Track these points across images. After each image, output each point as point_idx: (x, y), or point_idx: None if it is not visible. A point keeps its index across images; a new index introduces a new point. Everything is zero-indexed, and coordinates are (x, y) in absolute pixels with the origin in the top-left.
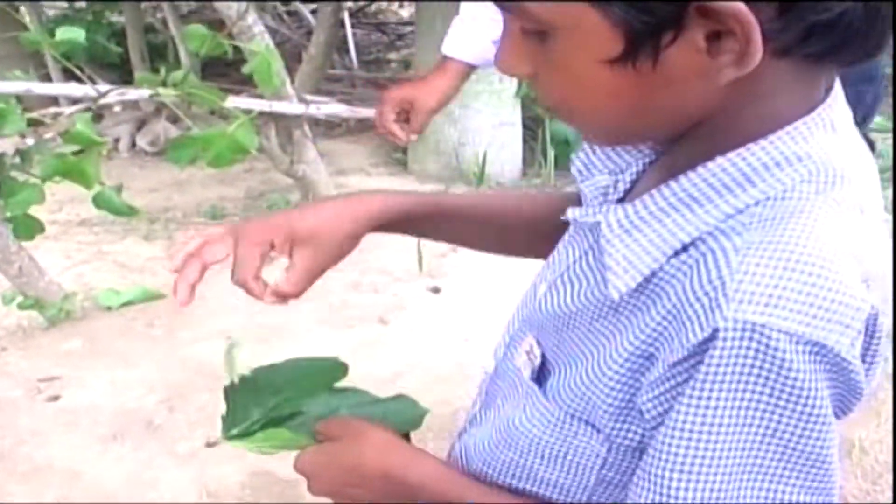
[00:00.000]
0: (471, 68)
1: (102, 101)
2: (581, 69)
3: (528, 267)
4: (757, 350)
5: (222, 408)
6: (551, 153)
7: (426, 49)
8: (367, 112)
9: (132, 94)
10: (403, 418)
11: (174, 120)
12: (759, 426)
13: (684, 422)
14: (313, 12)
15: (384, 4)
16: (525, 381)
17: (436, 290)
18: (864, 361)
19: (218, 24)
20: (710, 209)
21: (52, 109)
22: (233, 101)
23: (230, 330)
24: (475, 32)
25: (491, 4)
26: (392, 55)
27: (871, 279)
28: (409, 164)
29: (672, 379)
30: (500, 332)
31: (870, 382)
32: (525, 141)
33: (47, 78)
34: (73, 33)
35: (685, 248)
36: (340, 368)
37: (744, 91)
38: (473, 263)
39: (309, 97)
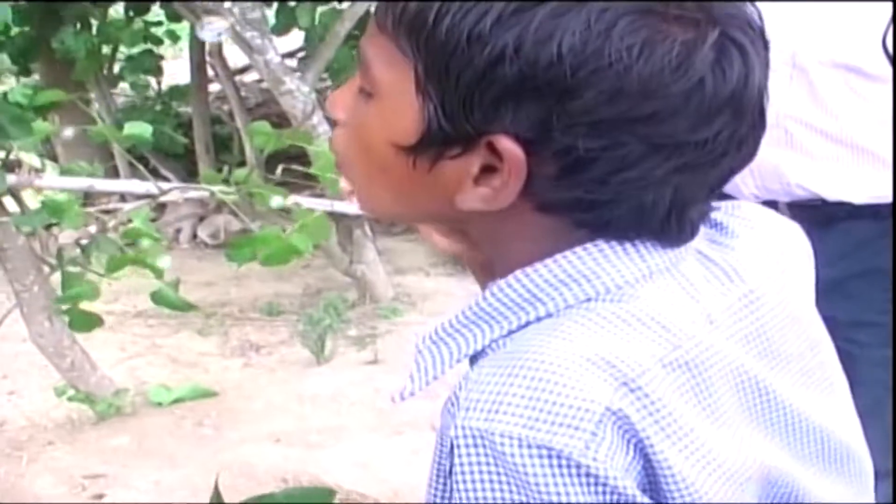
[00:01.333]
0: None
1: (164, 199)
2: (373, 138)
3: None
4: (493, 456)
5: None
6: None
7: None
8: None
9: (193, 192)
10: None
11: (235, 213)
12: None
13: None
14: None
15: None
16: None
17: None
18: (654, 468)
19: (284, 119)
20: (503, 324)
21: (113, 205)
22: (293, 199)
23: (279, 432)
24: None
25: None
26: None
27: (638, 386)
28: None
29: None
30: None
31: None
32: None
33: (114, 168)
34: (140, 128)
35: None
36: (327, 494)
37: (494, 225)
38: None
39: None
